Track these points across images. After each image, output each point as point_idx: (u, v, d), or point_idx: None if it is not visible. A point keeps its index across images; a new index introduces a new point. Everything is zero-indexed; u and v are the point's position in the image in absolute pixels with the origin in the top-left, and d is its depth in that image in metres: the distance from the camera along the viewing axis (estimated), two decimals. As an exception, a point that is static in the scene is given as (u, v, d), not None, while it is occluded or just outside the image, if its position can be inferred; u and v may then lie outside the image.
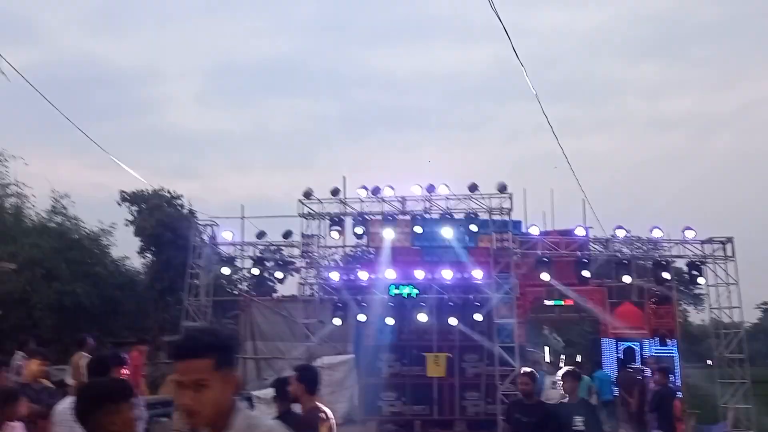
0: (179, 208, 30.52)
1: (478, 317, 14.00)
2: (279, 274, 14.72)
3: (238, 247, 15.46)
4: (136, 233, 33.46)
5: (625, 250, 13.86)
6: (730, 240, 13.82)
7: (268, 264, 15.56)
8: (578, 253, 13.99)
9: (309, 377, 5.25)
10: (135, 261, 31.83)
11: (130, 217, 33.26)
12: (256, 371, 20.09)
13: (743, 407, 13.66)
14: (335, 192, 14.82)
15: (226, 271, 15.02)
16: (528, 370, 7.77)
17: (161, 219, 29.49)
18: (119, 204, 33.96)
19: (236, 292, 21.44)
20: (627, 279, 13.89)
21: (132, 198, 34.41)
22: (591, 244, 14.08)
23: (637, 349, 21.32)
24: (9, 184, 25.55)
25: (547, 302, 22.85)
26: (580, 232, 14.04)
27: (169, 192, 32.77)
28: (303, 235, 14.81)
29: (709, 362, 17.71)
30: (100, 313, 24.05)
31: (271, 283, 37.28)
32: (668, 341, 21.05)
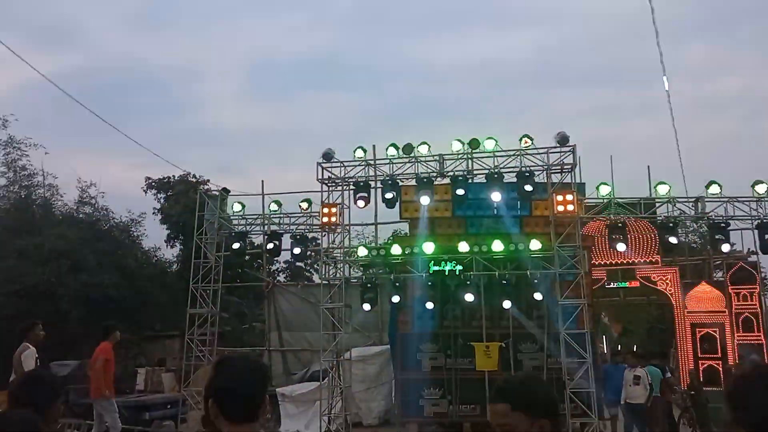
0: (206, 194, 29.03)
1: (537, 296, 11.38)
2: (297, 250, 12.44)
3: (250, 220, 13.24)
4: (163, 221, 32.15)
5: (720, 210, 10.99)
6: None
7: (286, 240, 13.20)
8: (662, 216, 11.20)
9: (229, 390, 2.42)
10: (167, 252, 30.93)
11: (158, 205, 31.99)
12: (282, 365, 18.03)
13: None
14: (361, 153, 12.46)
15: (236, 246, 12.84)
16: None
17: (188, 205, 27.89)
18: (145, 191, 32.63)
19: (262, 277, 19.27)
20: (726, 246, 11.03)
21: (158, 185, 33.01)
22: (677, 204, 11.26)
23: (717, 336, 18.46)
24: (33, 174, 24.65)
25: (608, 285, 20.16)
26: (662, 189, 11.24)
27: (195, 177, 31.15)
28: (323, 204, 12.47)
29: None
30: (131, 306, 22.87)
31: (309, 273, 35.34)
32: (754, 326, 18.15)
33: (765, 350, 17.19)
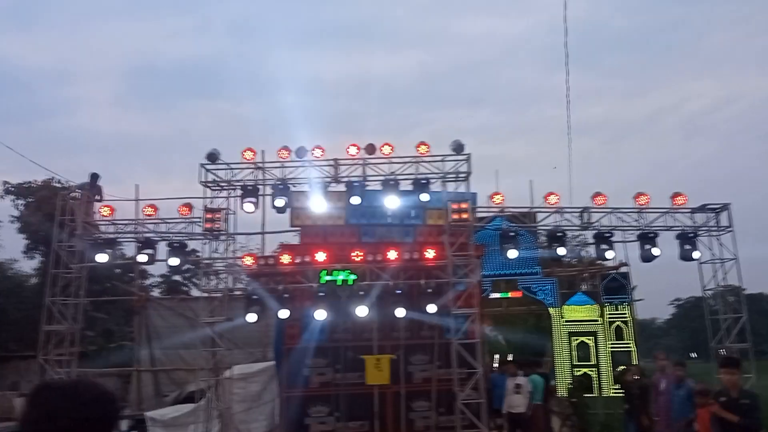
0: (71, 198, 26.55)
1: (431, 308, 11.11)
2: (173, 261, 11.24)
3: (121, 227, 11.86)
4: (21, 230, 29.10)
5: (605, 221, 11.39)
6: (725, 207, 11.66)
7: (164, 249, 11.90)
8: (550, 225, 11.42)
9: (43, 426, 1.72)
10: (26, 264, 28.06)
11: (17, 213, 28.95)
12: (153, 386, 16.43)
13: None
14: (250, 154, 11.61)
15: (102, 258, 11.36)
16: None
17: (51, 213, 25.27)
18: (2, 197, 29.32)
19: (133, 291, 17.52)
20: (610, 254, 11.44)
21: (17, 190, 29.83)
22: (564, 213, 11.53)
23: (591, 344, 19.42)
24: None
25: (493, 295, 20.61)
26: (552, 199, 11.47)
27: (60, 182, 28.24)
28: (206, 209, 11.44)
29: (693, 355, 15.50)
30: None
31: (186, 288, 33.09)
32: (624, 335, 19.32)
33: (634, 357, 18.29)
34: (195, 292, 26.45)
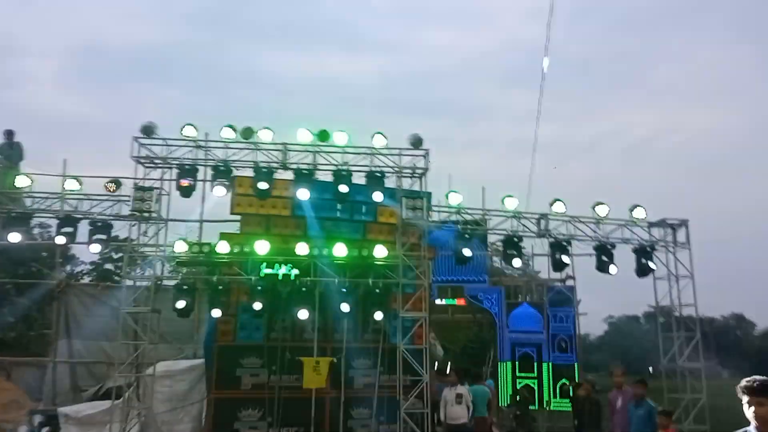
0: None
1: (378, 315, 10.37)
2: (95, 247, 10.06)
3: (39, 201, 10.63)
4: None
5: (562, 229, 10.94)
6: (684, 223, 11.40)
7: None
8: (507, 231, 10.88)
9: None
10: None
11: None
12: (70, 380, 15.06)
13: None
14: (191, 131, 10.61)
15: (14, 237, 10.09)
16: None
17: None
18: None
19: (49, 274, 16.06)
20: (567, 261, 10.98)
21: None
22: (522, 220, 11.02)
23: (534, 355, 19.14)
24: None
25: (438, 301, 20.08)
26: (511, 204, 10.93)
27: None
28: (136, 187, 10.35)
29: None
30: None
31: (119, 277, 31.26)
32: (567, 348, 19.11)
33: (576, 371, 18.06)
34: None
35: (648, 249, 11.07)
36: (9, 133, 11.96)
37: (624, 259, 11.62)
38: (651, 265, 11.03)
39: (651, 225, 11.48)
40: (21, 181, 10.49)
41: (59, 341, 15.32)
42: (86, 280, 28.10)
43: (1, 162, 11.47)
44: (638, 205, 11.35)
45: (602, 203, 11.15)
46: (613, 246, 11.10)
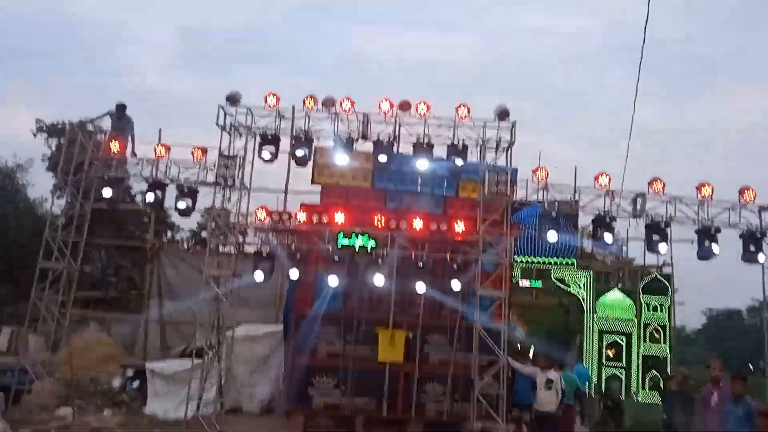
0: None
1: (455, 286, 10.07)
2: (181, 204, 10.44)
3: (131, 166, 11.08)
4: (50, 168, 29.00)
5: (660, 210, 10.11)
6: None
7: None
8: (599, 210, 10.20)
9: None
10: (56, 205, 28.20)
11: (49, 152, 28.73)
12: (160, 338, 15.91)
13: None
14: (274, 100, 10.65)
15: (107, 192, 10.61)
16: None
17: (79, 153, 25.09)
18: (34, 135, 29.16)
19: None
20: (663, 247, 10.16)
21: (50, 129, 29.62)
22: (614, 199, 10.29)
23: (623, 344, 18.19)
24: None
25: (522, 283, 19.44)
26: (603, 181, 10.23)
27: (94, 125, 27.95)
28: (221, 155, 10.56)
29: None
30: (10, 265, 19.91)
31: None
32: (660, 339, 17.99)
33: (669, 363, 17.02)
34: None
35: (758, 236, 10.02)
36: (120, 108, 12.51)
37: (730, 246, 10.63)
38: (760, 256, 10.00)
39: (762, 209, 10.37)
40: (114, 147, 10.99)
41: (151, 301, 16.20)
42: (184, 247, 29.59)
43: (112, 133, 12.06)
44: (748, 187, 10.28)
45: (707, 183, 10.19)
46: (718, 230, 10.14)
